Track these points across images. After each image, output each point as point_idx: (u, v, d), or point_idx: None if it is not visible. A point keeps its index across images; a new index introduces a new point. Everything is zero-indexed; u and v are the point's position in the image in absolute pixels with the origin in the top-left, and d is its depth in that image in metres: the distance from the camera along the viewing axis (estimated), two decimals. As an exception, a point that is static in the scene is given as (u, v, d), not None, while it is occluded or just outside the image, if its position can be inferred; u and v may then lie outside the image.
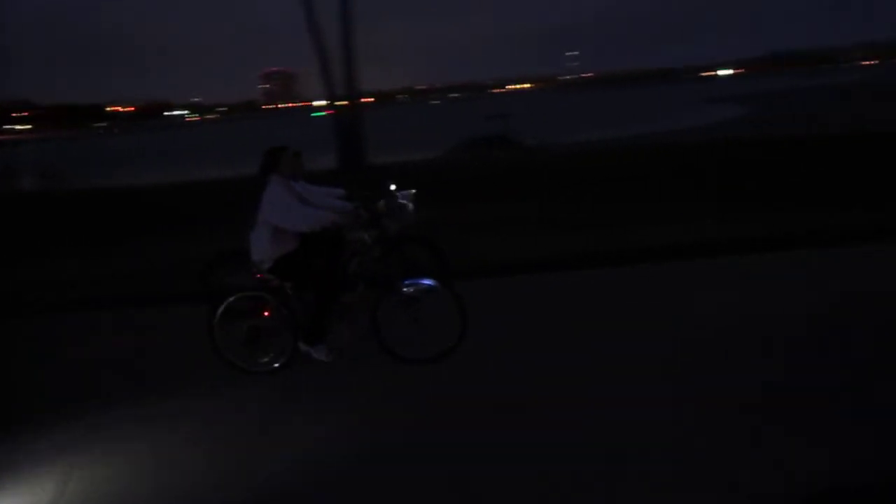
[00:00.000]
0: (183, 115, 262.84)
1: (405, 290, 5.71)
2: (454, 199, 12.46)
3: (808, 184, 11.88)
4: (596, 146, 25.66)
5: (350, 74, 22.71)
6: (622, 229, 9.70)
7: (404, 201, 6.06)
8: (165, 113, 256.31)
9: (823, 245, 8.22)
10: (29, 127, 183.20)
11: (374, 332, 5.68)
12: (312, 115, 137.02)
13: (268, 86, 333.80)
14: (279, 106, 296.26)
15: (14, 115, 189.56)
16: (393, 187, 6.15)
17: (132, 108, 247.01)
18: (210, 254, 7.29)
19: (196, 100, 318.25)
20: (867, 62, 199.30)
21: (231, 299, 5.75)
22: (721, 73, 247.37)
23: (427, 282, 5.77)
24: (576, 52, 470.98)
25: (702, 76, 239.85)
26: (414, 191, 6.20)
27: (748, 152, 17.05)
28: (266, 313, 5.80)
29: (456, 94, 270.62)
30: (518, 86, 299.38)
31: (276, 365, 5.76)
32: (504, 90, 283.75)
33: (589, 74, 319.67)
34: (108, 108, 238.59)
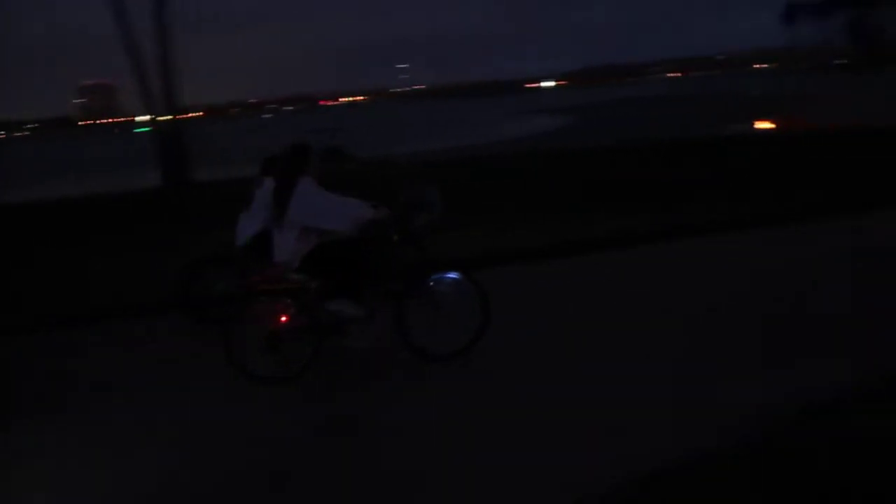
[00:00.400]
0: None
1: (430, 284, 5.62)
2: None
3: (622, 190, 12.71)
4: (427, 156, 26.25)
5: (170, 88, 21.81)
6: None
7: (431, 197, 5.84)
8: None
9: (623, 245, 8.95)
10: None
11: (399, 328, 5.54)
12: (136, 130, 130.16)
13: (85, 100, 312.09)
14: (98, 122, 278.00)
15: None
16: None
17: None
18: (187, 261, 7.11)
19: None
20: (672, 74, 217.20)
21: (247, 305, 5.54)
22: (545, 84, 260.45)
23: (452, 275, 5.69)
24: (406, 65, 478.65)
25: (527, 88, 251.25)
26: (436, 186, 6.00)
27: (570, 160, 18.15)
28: (283, 318, 5.47)
29: (290, 107, 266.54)
30: (351, 98, 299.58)
31: (296, 371, 5.45)
32: (337, 102, 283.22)
33: (421, 87, 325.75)
34: None
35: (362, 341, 5.62)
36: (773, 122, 30.14)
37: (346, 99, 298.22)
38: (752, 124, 30.97)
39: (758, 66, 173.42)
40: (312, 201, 5.47)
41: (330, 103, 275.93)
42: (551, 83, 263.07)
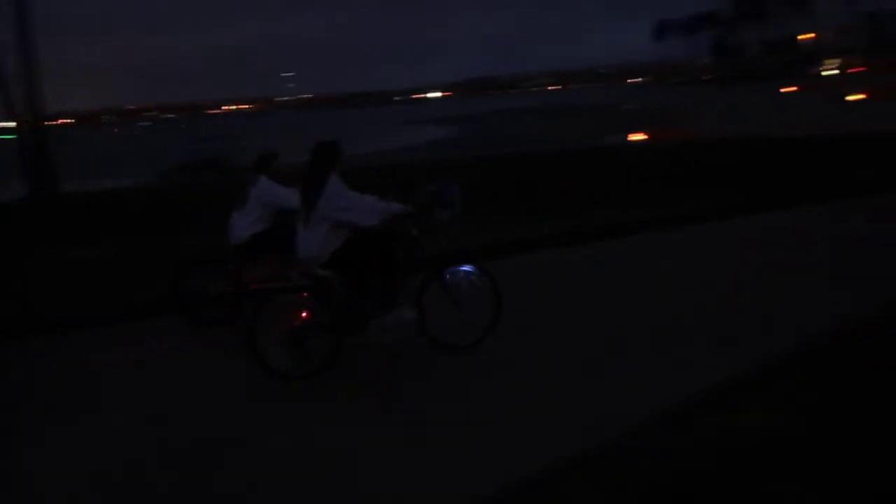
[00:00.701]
0: None
1: (447, 276, 5.82)
2: (166, 229, 11.87)
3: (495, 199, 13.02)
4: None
5: (33, 93, 20.54)
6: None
7: (453, 193, 5.94)
8: None
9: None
10: None
11: (419, 320, 5.69)
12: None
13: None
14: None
15: None
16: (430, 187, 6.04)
17: None
18: (178, 262, 6.97)
19: None
20: (552, 87, 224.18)
21: (273, 301, 5.49)
22: (430, 95, 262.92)
23: (466, 267, 5.92)
24: (292, 73, 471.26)
25: (413, 98, 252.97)
26: (457, 182, 6.06)
27: (457, 169, 18.36)
28: (304, 314, 5.49)
29: (170, 115, 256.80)
30: (235, 106, 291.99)
31: (318, 367, 5.47)
32: (220, 111, 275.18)
33: (308, 96, 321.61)
34: None
35: (385, 336, 5.69)
36: (646, 133, 31.62)
37: (231, 107, 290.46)
38: (627, 136, 32.43)
39: (632, 80, 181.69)
40: (343, 196, 5.53)
41: (214, 111, 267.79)
42: (437, 94, 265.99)
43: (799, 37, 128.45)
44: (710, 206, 11.11)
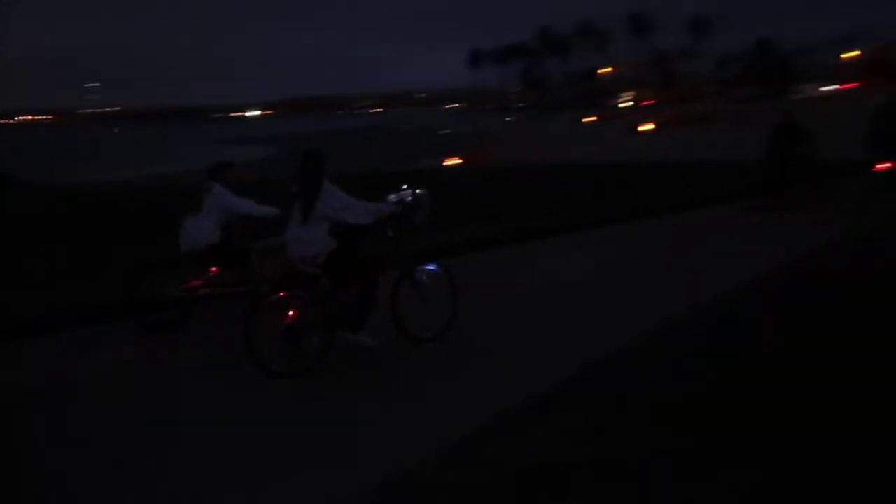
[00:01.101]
0: None
1: (417, 275, 6.33)
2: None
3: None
4: (113, 186, 24.65)
5: None
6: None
7: (426, 199, 6.40)
8: None
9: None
10: None
11: (394, 315, 6.16)
12: None
13: None
14: None
15: None
16: (405, 187, 6.43)
17: None
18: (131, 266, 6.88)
19: None
20: (374, 109, 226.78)
21: (267, 300, 5.59)
22: (249, 113, 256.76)
23: (431, 266, 6.48)
24: (97, 84, 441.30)
25: (232, 116, 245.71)
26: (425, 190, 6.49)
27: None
28: (292, 312, 5.62)
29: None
30: (30, 117, 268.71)
31: (311, 364, 5.62)
32: (12, 121, 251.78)
33: (115, 108, 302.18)
34: None
35: (374, 340, 5.96)
36: (460, 157, 32.97)
37: (25, 118, 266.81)
38: (443, 160, 33.62)
39: (450, 105, 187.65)
40: (339, 198, 5.89)
41: (5, 122, 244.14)
42: (256, 112, 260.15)
43: (599, 70, 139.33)
44: (517, 227, 11.82)
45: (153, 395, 5.49)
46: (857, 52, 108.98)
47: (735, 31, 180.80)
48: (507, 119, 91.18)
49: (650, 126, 51.93)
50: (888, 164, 12.59)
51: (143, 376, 5.93)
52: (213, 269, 6.93)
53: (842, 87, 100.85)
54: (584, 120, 75.08)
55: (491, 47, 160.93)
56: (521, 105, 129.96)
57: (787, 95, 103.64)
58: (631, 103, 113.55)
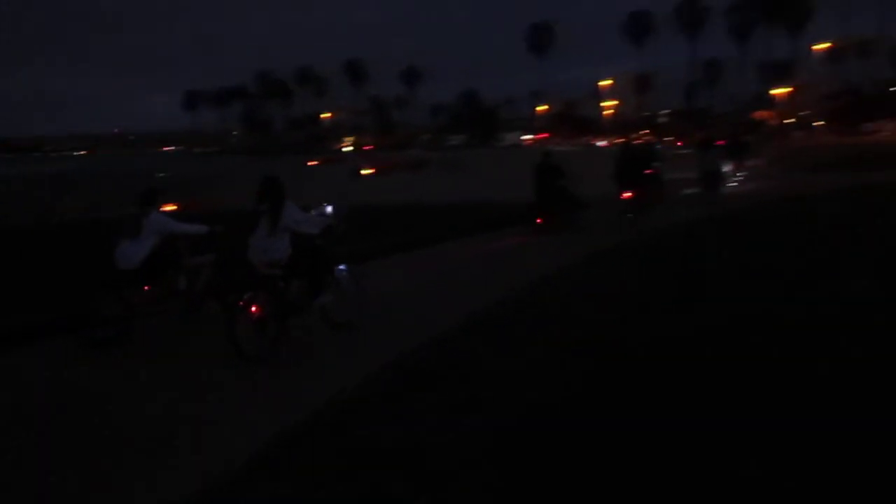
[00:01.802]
0: None
1: (336, 274, 7.98)
2: None
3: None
4: None
5: None
6: None
7: (345, 210, 8.23)
8: None
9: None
10: None
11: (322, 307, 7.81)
12: None
13: None
14: None
15: None
16: (329, 208, 8.02)
17: None
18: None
19: None
20: (82, 152, 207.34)
21: (242, 300, 6.89)
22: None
23: (342, 267, 8.09)
24: None
25: None
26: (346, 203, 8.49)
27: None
28: (254, 308, 6.96)
29: None
30: None
31: (275, 347, 7.05)
32: None
33: None
34: None
35: (329, 296, 7.80)
36: (176, 203, 31.50)
37: None
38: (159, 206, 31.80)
39: (167, 148, 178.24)
40: (297, 213, 7.55)
41: None
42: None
43: (322, 115, 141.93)
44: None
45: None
46: (546, 107, 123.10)
47: (446, 81, 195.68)
48: (230, 162, 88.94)
49: (371, 171, 53.76)
50: (630, 194, 16.18)
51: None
52: (147, 286, 7.88)
53: (537, 137, 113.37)
54: (310, 163, 75.73)
55: (209, 90, 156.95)
56: (244, 147, 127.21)
57: (492, 143, 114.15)
58: (351, 148, 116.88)
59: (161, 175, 62.51)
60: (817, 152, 43.01)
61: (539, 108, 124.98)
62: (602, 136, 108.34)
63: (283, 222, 7.37)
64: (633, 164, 16.70)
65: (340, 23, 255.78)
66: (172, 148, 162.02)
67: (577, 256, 11.84)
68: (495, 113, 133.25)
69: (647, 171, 17.30)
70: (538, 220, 15.61)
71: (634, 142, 31.19)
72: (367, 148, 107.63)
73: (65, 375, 6.82)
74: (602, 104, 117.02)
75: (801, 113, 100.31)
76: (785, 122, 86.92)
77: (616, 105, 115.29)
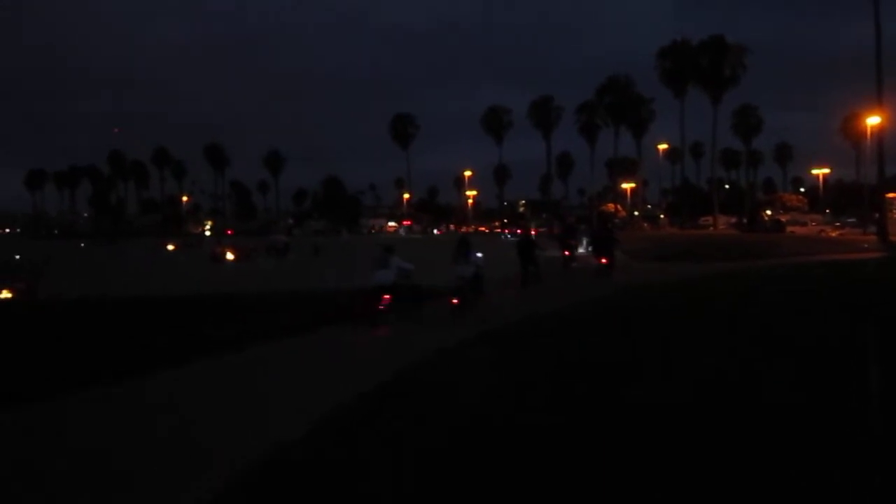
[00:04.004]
0: None
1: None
2: None
3: None
4: None
5: None
6: None
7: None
8: None
9: None
10: None
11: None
12: None
13: None
14: None
15: None
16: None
17: None
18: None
19: None
20: None
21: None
22: None
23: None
24: None
25: None
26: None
27: None
28: (455, 300, 15.39)
29: None
30: None
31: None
32: None
33: None
34: None
35: None
36: (10, 290, 29.02)
37: None
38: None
39: (6, 230, 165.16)
40: (473, 256, 16.63)
41: None
42: None
43: (183, 197, 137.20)
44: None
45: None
46: (407, 195, 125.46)
47: (308, 167, 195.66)
48: (82, 245, 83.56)
49: (231, 256, 52.27)
50: (604, 260, 22.80)
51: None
52: (387, 296, 14.29)
53: (404, 223, 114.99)
54: (167, 247, 72.70)
55: (56, 168, 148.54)
56: (92, 230, 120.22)
57: (356, 228, 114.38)
58: (210, 232, 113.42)
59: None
60: (663, 242, 45.89)
61: (405, 196, 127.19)
62: (465, 223, 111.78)
63: (471, 259, 16.33)
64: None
65: (202, 106, 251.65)
66: (14, 230, 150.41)
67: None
68: (357, 199, 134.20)
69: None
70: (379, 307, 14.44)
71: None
72: (228, 232, 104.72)
73: (363, 338, 13.10)
74: (465, 193, 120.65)
75: (647, 206, 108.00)
76: (635, 213, 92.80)
77: (475, 194, 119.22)
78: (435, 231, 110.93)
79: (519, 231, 27.24)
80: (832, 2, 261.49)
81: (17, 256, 41.18)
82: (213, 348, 11.90)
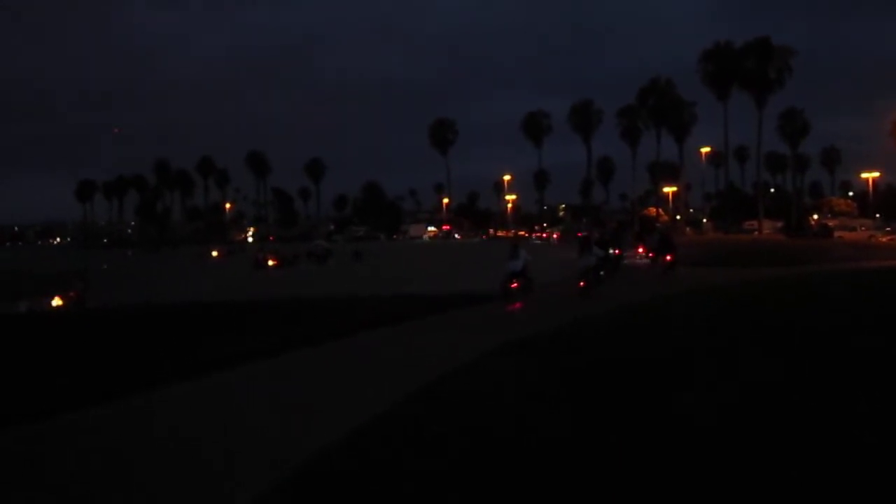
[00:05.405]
0: None
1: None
2: None
3: None
4: None
5: None
6: None
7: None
8: None
9: None
10: None
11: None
12: None
13: None
14: None
15: None
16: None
17: None
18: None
19: None
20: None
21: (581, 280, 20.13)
22: None
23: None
24: None
25: None
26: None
27: None
28: (582, 284, 19.96)
29: None
30: None
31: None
32: None
33: None
34: None
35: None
36: (61, 298, 29.85)
37: None
38: (50, 300, 30.12)
39: (56, 240, 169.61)
40: (597, 249, 21.88)
41: None
42: None
43: (227, 205, 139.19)
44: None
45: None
46: (447, 200, 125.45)
47: (348, 173, 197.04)
48: (129, 254, 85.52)
49: (273, 262, 53.00)
50: (669, 258, 25.74)
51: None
52: (515, 282, 19.61)
53: (444, 228, 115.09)
54: (214, 255, 74.01)
55: (104, 179, 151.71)
56: (139, 240, 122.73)
57: (396, 234, 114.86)
58: (252, 240, 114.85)
59: (51, 269, 59.13)
60: (708, 246, 45.10)
61: (444, 201, 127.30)
62: (504, 228, 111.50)
63: (593, 250, 20.73)
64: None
65: (244, 116, 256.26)
66: (67, 240, 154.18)
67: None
68: (397, 205, 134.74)
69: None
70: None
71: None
72: (271, 239, 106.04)
73: (502, 311, 17.07)
74: (505, 197, 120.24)
75: (690, 210, 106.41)
76: (677, 217, 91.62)
77: (515, 199, 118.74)
78: (456, 235, 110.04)
79: (579, 234, 33.72)
80: (881, 4, 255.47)
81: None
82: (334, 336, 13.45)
